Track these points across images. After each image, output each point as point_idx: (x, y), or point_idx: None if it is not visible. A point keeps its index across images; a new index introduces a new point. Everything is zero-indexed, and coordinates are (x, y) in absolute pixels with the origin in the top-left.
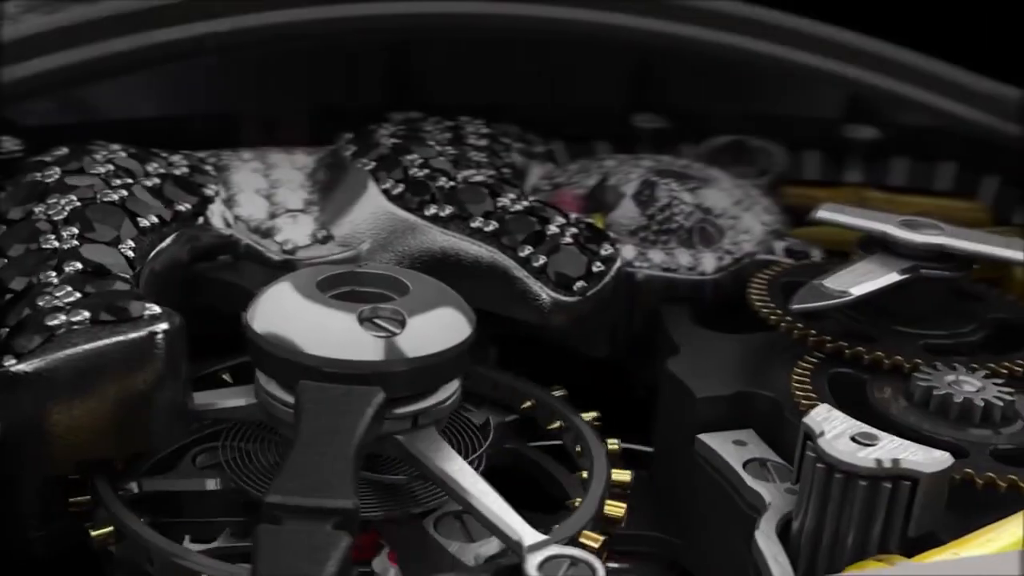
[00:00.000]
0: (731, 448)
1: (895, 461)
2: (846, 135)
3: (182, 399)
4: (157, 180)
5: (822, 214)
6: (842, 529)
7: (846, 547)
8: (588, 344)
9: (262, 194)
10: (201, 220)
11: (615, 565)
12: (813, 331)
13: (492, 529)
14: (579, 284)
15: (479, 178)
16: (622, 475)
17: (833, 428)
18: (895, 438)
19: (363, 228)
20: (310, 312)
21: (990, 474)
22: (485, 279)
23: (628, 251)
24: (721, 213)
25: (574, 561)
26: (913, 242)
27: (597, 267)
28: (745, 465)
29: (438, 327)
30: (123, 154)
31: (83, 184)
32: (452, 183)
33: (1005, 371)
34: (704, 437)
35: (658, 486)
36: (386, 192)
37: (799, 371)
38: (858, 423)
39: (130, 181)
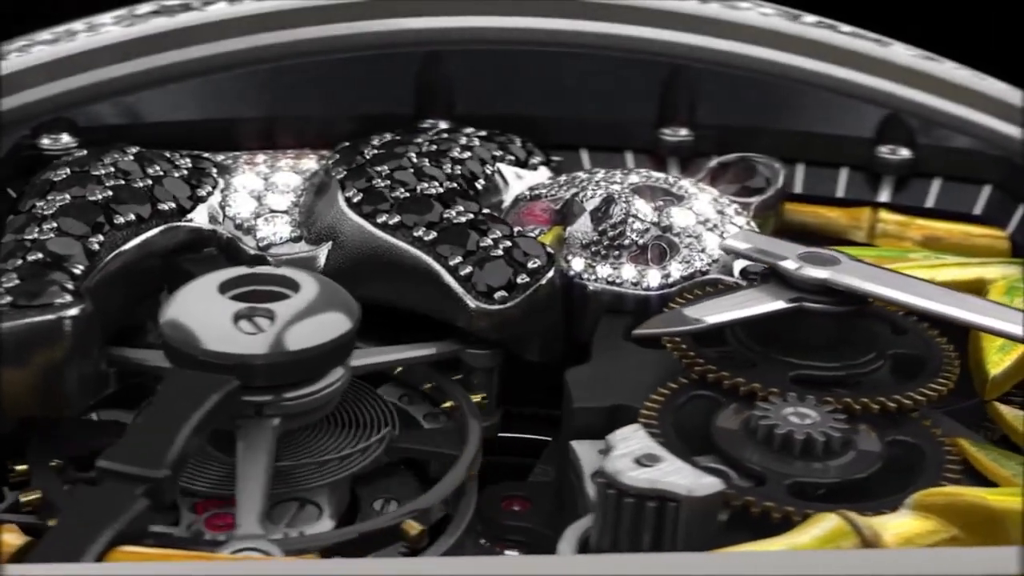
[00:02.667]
0: (593, 456)
1: (655, 483)
2: (871, 154)
3: (94, 371)
4: (150, 181)
5: (729, 243)
6: (618, 541)
7: None
8: (520, 348)
9: (254, 195)
10: (189, 216)
11: (513, 553)
12: (691, 352)
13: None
14: (500, 294)
15: (434, 190)
16: None
17: (628, 447)
18: (677, 461)
19: (326, 231)
20: (199, 308)
21: (769, 504)
22: (421, 284)
23: (578, 264)
24: (680, 231)
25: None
26: (797, 275)
27: (522, 279)
28: (594, 474)
29: (308, 327)
30: (129, 157)
31: (79, 184)
32: (408, 194)
33: (859, 407)
34: (575, 443)
35: (555, 486)
36: (348, 200)
37: (661, 390)
38: (652, 445)
39: (122, 182)
